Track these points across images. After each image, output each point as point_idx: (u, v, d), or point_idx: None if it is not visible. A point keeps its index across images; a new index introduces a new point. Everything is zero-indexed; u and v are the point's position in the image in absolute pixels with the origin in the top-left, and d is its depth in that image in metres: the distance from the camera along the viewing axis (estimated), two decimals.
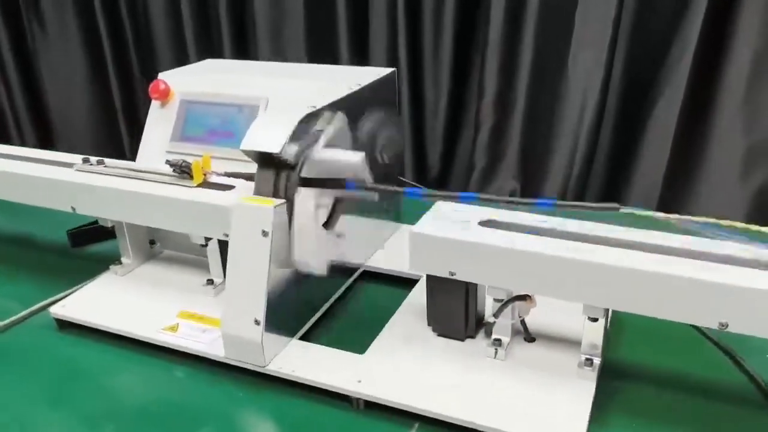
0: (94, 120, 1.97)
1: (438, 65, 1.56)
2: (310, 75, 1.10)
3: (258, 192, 0.82)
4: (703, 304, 0.67)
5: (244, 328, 0.80)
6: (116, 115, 1.92)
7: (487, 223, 0.79)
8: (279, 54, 1.66)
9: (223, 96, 1.04)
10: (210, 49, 1.71)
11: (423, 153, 1.65)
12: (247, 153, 0.81)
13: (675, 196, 1.41)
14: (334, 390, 0.78)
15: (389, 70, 1.08)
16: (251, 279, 0.79)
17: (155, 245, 1.11)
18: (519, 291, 0.78)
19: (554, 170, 1.52)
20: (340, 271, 0.99)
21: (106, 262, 1.09)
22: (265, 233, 0.78)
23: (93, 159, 1.04)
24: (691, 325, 0.89)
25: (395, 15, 1.52)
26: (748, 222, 0.68)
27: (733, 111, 1.31)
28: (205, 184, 0.94)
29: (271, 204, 0.78)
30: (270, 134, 0.80)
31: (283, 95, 0.98)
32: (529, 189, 1.56)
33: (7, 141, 1.97)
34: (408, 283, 1.01)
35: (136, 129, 1.90)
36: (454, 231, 0.77)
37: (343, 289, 1.01)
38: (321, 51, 1.61)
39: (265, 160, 0.81)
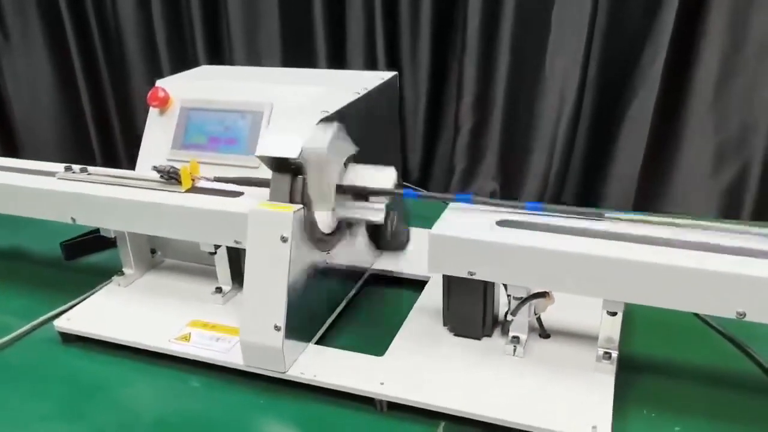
0: (61, 127, 1.92)
1: (416, 67, 1.58)
2: (311, 80, 1.10)
3: (274, 198, 0.82)
4: (720, 294, 0.69)
5: (264, 334, 0.80)
6: (85, 122, 1.87)
7: (504, 223, 0.80)
8: (254, 59, 1.65)
9: (225, 102, 1.03)
10: (184, 56, 1.70)
11: (404, 156, 1.66)
12: (262, 159, 0.81)
13: (650, 193, 1.45)
14: (356, 393, 0.79)
15: (391, 74, 1.09)
16: (270, 285, 0.79)
17: (156, 254, 1.10)
18: (538, 289, 0.79)
19: (533, 170, 1.55)
20: (348, 274, 1.00)
21: (103, 273, 1.08)
22: (284, 239, 0.78)
23: (75, 167, 1.03)
24: (695, 316, 0.91)
25: (372, 17, 1.53)
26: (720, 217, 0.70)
27: (703, 110, 1.36)
28: (194, 189, 0.94)
29: (290, 210, 0.78)
30: (286, 140, 0.80)
31: (288, 101, 0.98)
32: (509, 189, 1.58)
33: None
34: (413, 284, 1.02)
35: (106, 136, 1.88)
36: (473, 232, 0.78)
37: (353, 292, 1.01)
38: (297, 55, 1.61)
39: (281, 165, 0.81)
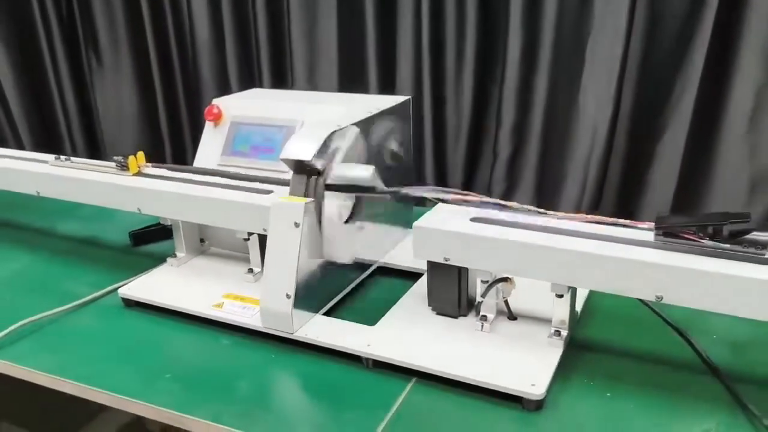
0: (140, 137, 2.16)
1: (459, 97, 1.69)
2: (339, 101, 1.30)
3: (292, 193, 1.02)
4: (641, 280, 0.84)
5: (277, 301, 0.99)
6: (161, 133, 2.11)
7: (476, 219, 0.98)
8: (313, 84, 1.81)
9: (266, 119, 1.25)
10: (251, 81, 1.91)
11: (443, 179, 1.78)
12: (285, 161, 1.02)
13: None
14: (348, 351, 0.97)
15: (405, 97, 1.28)
16: (285, 261, 0.99)
17: (204, 243, 1.31)
18: (501, 274, 0.96)
19: (566, 199, 1.62)
20: (358, 265, 1.18)
21: (161, 258, 1.29)
22: (297, 224, 0.98)
23: (62, 156, 1.34)
24: (651, 310, 1.05)
25: (420, 52, 1.66)
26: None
27: (736, 141, 1.41)
28: (140, 174, 1.24)
29: (302, 201, 0.98)
30: (303, 146, 1.00)
31: (315, 117, 1.18)
32: None
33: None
34: (414, 276, 1.19)
35: (178, 144, 2.11)
36: (448, 224, 0.96)
37: (360, 279, 1.19)
38: (352, 85, 1.76)
39: (299, 166, 1.01)
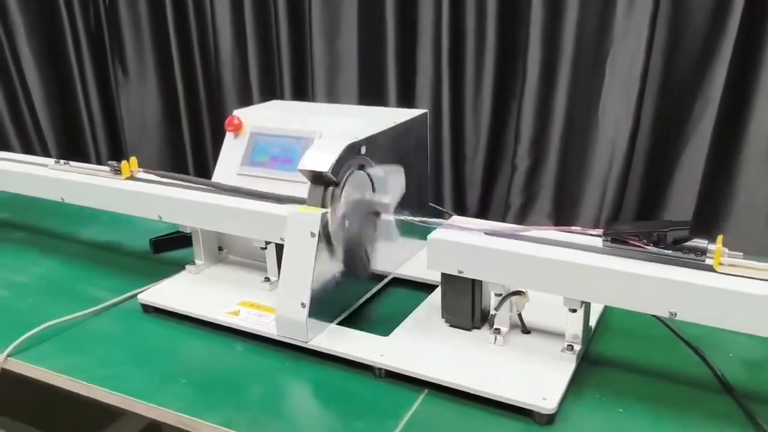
0: (163, 147, 2.22)
1: (478, 111, 1.71)
2: (357, 114, 1.32)
3: (309, 204, 1.03)
4: (655, 296, 0.84)
5: (293, 310, 1.00)
6: (184, 144, 2.16)
7: (490, 233, 0.98)
8: (333, 96, 1.82)
9: (285, 130, 1.27)
10: (272, 92, 1.94)
11: (462, 192, 1.80)
12: (302, 172, 1.03)
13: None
14: (360, 361, 0.97)
15: (421, 111, 1.29)
16: (301, 271, 1.00)
17: (222, 251, 1.33)
18: (515, 287, 0.96)
19: (584, 213, 1.63)
20: (373, 276, 1.19)
21: (180, 264, 1.31)
22: (313, 234, 0.99)
23: (62, 161, 1.39)
24: (666, 326, 1.04)
25: (440, 66, 1.69)
26: None
27: (757, 159, 1.41)
28: (132, 178, 1.28)
29: (318, 212, 1.00)
30: (321, 157, 1.01)
31: (333, 129, 1.20)
32: None
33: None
34: (428, 288, 1.19)
35: (200, 154, 2.15)
36: (462, 237, 0.96)
37: (375, 289, 1.20)
38: (371, 98, 1.80)
39: (316, 177, 1.02)
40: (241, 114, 1.33)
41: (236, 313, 1.11)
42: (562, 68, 1.57)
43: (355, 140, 1.06)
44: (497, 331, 0.99)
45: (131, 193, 1.26)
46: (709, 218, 1.49)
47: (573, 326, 0.94)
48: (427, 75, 1.73)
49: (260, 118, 1.32)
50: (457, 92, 1.71)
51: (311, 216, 1.00)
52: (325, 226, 1.00)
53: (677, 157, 1.53)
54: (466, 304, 1.01)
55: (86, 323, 1.16)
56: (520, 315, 1.01)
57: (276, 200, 1.14)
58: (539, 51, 1.56)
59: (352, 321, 1.11)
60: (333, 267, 1.04)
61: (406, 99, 1.77)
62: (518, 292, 0.97)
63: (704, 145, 1.46)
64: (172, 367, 1.03)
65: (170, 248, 1.46)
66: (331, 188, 1.02)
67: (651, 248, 0.86)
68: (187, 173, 2.14)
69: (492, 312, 0.99)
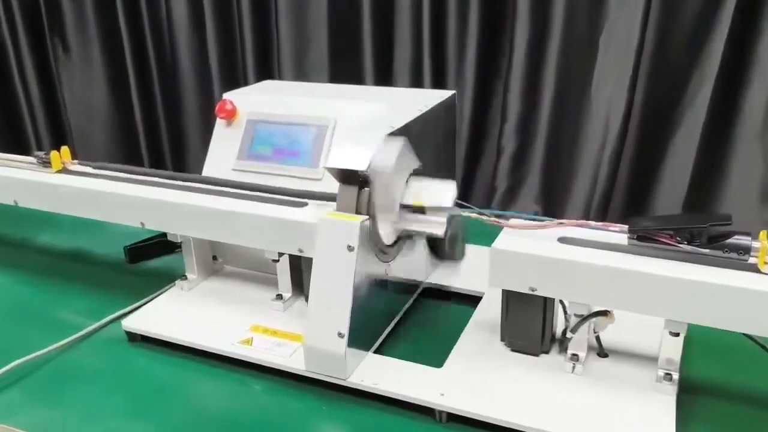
0: (112, 134, 2.03)
1: (461, 89, 1.58)
2: (372, 97, 1.13)
3: (340, 208, 0.85)
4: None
5: (327, 341, 0.82)
6: (136, 130, 1.96)
7: (565, 240, 0.82)
8: (303, 77, 1.70)
9: (290, 116, 1.07)
10: (233, 69, 1.76)
11: None
12: (330, 171, 0.84)
13: None
14: (417, 403, 0.80)
15: (450, 92, 1.11)
16: (335, 293, 0.81)
17: (217, 260, 1.13)
18: (600, 306, 0.80)
19: (575, 196, 1.56)
20: (404, 287, 1.02)
21: (164, 277, 1.11)
22: (350, 248, 0.81)
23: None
24: (748, 338, 0.91)
25: (420, 41, 1.57)
26: None
27: (751, 138, 1.35)
28: (65, 171, 1.10)
29: (357, 220, 0.81)
30: (355, 153, 0.82)
31: (351, 116, 1.01)
32: (552, 213, 1.58)
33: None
34: (465, 299, 1.04)
35: (155, 143, 1.97)
36: (536, 248, 0.79)
37: (409, 303, 1.03)
38: (345, 75, 1.65)
39: (349, 177, 0.84)
40: (233, 97, 1.12)
41: (248, 342, 0.92)
42: (552, 43, 1.47)
43: (391, 130, 0.87)
44: (575, 357, 0.83)
45: (62, 188, 1.07)
46: (701, 198, 1.43)
47: (670, 351, 0.79)
48: (406, 50, 1.61)
49: (258, 102, 1.11)
50: (438, 68, 1.59)
51: (349, 225, 0.81)
52: (364, 236, 0.82)
53: (671, 135, 1.46)
54: (536, 326, 0.85)
55: (61, 359, 0.95)
56: (598, 337, 0.85)
57: (289, 198, 0.95)
58: (527, 24, 1.45)
59: (388, 345, 0.94)
60: (373, 283, 0.86)
61: (383, 79, 1.64)
62: (603, 312, 0.81)
63: (699, 124, 1.39)
64: (177, 416, 0.83)
65: (149, 257, 1.25)
66: (366, 190, 0.84)
67: (685, 247, 0.76)
68: (141, 161, 1.93)
69: (568, 335, 0.83)
